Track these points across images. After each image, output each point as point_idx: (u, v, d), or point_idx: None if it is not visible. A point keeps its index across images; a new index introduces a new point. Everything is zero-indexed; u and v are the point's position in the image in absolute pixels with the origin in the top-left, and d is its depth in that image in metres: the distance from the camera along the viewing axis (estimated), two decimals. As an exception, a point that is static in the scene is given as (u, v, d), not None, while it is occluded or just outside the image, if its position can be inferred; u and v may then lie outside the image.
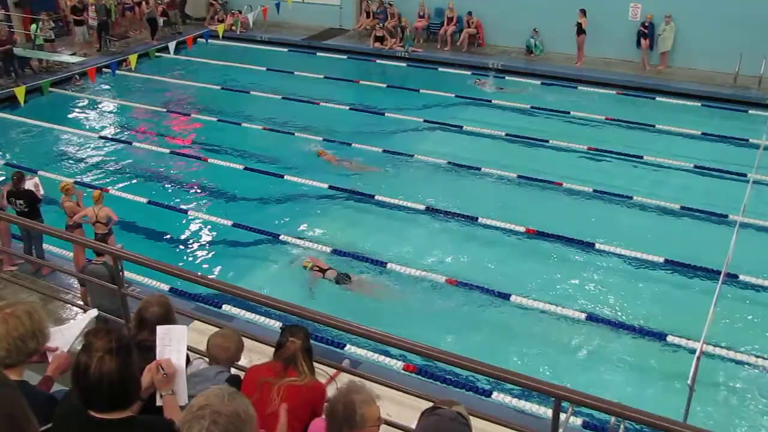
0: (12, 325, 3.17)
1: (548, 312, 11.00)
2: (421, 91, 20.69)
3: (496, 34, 23.88)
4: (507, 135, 17.59)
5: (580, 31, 21.71)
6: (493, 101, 19.81)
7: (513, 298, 11.26)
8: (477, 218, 13.66)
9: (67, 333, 4.26)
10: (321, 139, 17.47)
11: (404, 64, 23.27)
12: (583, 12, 21.38)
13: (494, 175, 15.60)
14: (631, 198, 14.44)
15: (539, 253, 12.75)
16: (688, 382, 6.26)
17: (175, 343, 3.91)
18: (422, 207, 14.15)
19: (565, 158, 16.58)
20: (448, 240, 13.33)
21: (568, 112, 18.98)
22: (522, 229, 13.24)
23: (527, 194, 14.95)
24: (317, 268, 12.06)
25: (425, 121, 18.51)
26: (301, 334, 4.68)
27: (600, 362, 10.12)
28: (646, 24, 21.29)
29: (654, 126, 18.14)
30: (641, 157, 16.32)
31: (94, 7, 25.15)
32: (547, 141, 17.16)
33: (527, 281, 11.84)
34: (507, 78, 21.63)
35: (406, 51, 23.68)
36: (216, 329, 6.12)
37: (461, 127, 18.13)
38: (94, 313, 4.41)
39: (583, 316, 10.86)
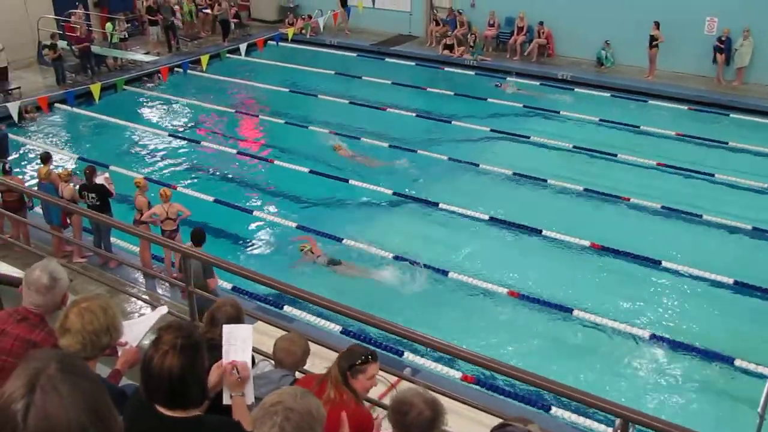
0: (87, 319, 3.23)
1: (611, 329, 10.84)
2: (488, 100, 20.58)
3: (567, 44, 23.61)
4: (574, 147, 17.36)
5: (653, 43, 21.32)
6: (561, 112, 19.58)
7: (575, 312, 11.13)
8: (541, 230, 13.53)
9: (137, 328, 4.34)
10: (387, 145, 17.52)
11: (472, 73, 23.17)
12: (657, 24, 21.00)
13: (560, 187, 15.42)
14: (701, 216, 14.10)
15: (604, 268, 12.56)
16: (759, 410, 6.08)
17: (240, 343, 3.94)
18: (486, 217, 14.07)
19: (634, 173, 16.28)
20: (511, 251, 13.22)
21: (638, 126, 18.63)
22: (587, 243, 13.06)
23: (593, 208, 14.74)
24: (311, 252, 12.67)
25: (492, 130, 18.40)
26: (345, 353, 4.51)
27: (664, 383, 9.92)
28: (723, 38, 20.78)
29: (727, 143, 17.69)
30: (712, 175, 15.94)
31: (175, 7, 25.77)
32: (616, 155, 16.88)
33: (591, 296, 11.67)
34: (576, 90, 21.36)
35: (475, 59, 23.59)
36: (277, 330, 6.19)
37: (528, 137, 17.97)
38: (164, 309, 4.48)
39: (647, 334, 10.67)
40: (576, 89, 21.47)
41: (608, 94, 21.04)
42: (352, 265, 12.63)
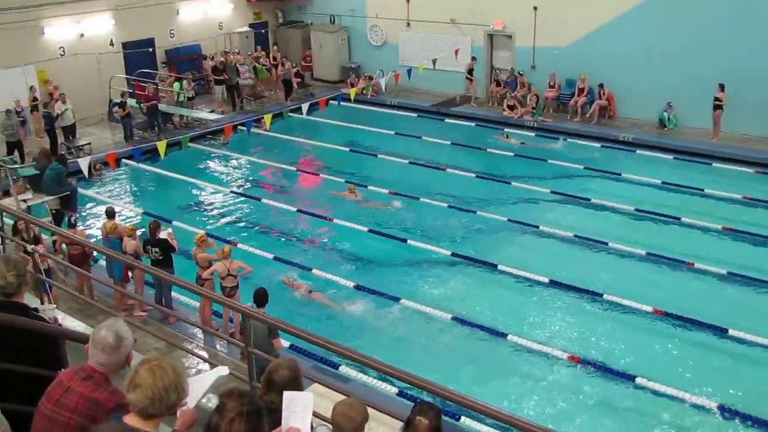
0: (158, 375, 3.26)
1: (677, 398, 10.51)
2: (548, 161, 20.50)
3: (628, 106, 23.47)
4: (636, 210, 17.11)
5: (718, 106, 21.05)
6: (622, 174, 19.37)
7: (638, 380, 10.84)
8: (602, 294, 13.29)
9: (195, 387, 4.34)
10: (446, 205, 17.53)
11: (532, 134, 23.16)
12: (722, 87, 20.76)
13: (622, 250, 15.15)
14: (770, 284, 13.71)
15: (667, 334, 12.24)
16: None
17: (301, 410, 3.92)
18: (546, 279, 13.89)
19: (698, 237, 15.93)
20: (571, 314, 12.99)
21: (702, 189, 18.28)
22: (649, 308, 12.76)
23: (656, 272, 14.42)
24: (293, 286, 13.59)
25: (552, 192, 18.28)
26: (431, 413, 4.49)
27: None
28: (789, 101, 20.45)
29: (796, 208, 17.27)
30: (782, 240, 15.54)
31: (246, 67, 26.46)
32: (679, 218, 16.56)
33: (654, 364, 11.38)
34: (638, 152, 21.14)
35: (535, 120, 23.60)
36: (332, 392, 6.15)
37: (589, 199, 17.79)
38: (224, 370, 4.49)
39: (714, 405, 10.32)
40: (638, 151, 21.25)
41: (671, 157, 20.76)
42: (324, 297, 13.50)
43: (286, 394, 3.99)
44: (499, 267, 14.47)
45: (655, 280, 14.07)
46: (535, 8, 24.23)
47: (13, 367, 4.39)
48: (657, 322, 12.56)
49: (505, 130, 23.32)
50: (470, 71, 25.70)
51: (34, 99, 22.25)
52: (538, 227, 16.28)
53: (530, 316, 12.94)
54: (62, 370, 4.65)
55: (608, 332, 12.41)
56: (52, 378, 4.11)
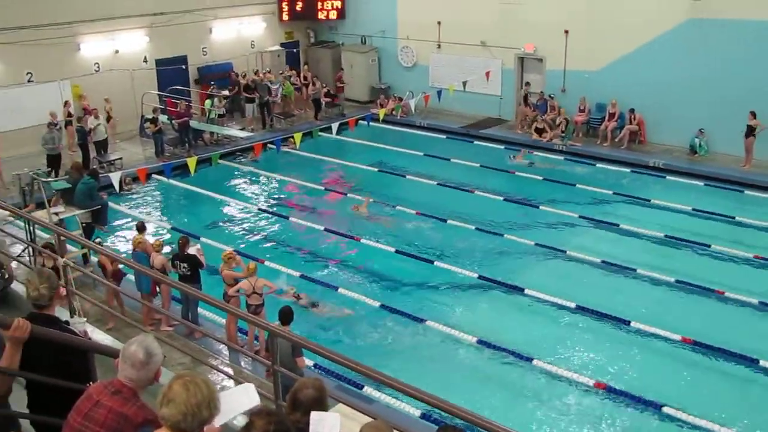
0: (192, 391, 3.26)
1: (705, 429, 10.35)
2: (577, 185, 20.40)
3: (659, 131, 23.34)
4: (666, 236, 16.94)
5: (750, 133, 20.87)
6: (652, 200, 19.21)
7: (666, 409, 10.70)
8: (629, 322, 13.15)
9: (225, 406, 4.35)
10: (474, 228, 17.49)
11: (561, 158, 23.08)
12: (753, 114, 20.58)
13: (651, 277, 15.00)
14: (802, 314, 13.50)
15: (697, 364, 12.08)
16: None
17: (327, 431, 3.93)
18: (573, 305, 13.79)
19: (729, 265, 15.74)
20: (599, 341, 12.88)
21: (733, 217, 18.10)
22: (678, 337, 12.61)
23: (685, 300, 14.26)
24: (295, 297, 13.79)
25: (580, 216, 18.18)
26: None
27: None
28: (823, 129, 20.23)
29: (831, 237, 17.02)
30: (816, 271, 15.31)
31: (277, 86, 26.70)
32: (709, 245, 16.37)
33: (683, 393, 11.23)
34: (668, 178, 20.98)
35: (565, 144, 23.53)
36: (357, 413, 6.13)
37: (617, 225, 17.66)
38: (251, 388, 4.50)
39: (742, 437, 10.16)
40: (668, 177, 21.09)
41: (702, 183, 20.58)
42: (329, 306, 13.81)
43: (314, 415, 3.99)
44: (526, 291, 14.40)
45: (685, 309, 13.91)
46: (567, 32, 24.26)
47: (43, 379, 4.43)
48: (686, 351, 12.40)
49: (522, 151, 23.64)
50: (525, 97, 25.46)
51: (69, 114, 22.58)
52: (565, 252, 16.18)
53: (557, 341, 12.83)
54: (91, 383, 4.71)
55: (636, 360, 12.28)
56: (80, 391, 4.15)
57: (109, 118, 23.45)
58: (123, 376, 3.81)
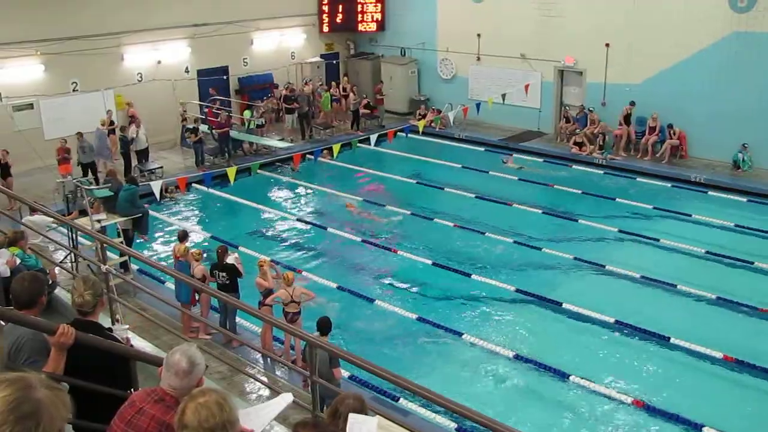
0: (203, 416, 3.22)
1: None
2: (617, 200, 20.21)
3: (701, 146, 23.03)
4: (707, 252, 16.70)
5: (795, 148, 20.55)
6: (693, 216, 18.96)
7: (706, 430, 10.53)
8: (669, 338, 12.99)
9: (262, 414, 4.38)
10: (512, 241, 17.41)
11: (601, 172, 22.90)
12: (798, 129, 20.29)
13: (691, 293, 14.79)
14: None
15: (739, 383, 11.89)
16: None
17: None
18: (611, 320, 13.64)
19: (773, 283, 15.51)
20: (637, 357, 12.74)
21: (778, 234, 17.82)
22: (719, 355, 12.41)
23: (727, 318, 14.03)
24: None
25: (620, 231, 17.99)
26: None
27: None
28: None
29: None
30: None
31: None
32: (752, 262, 16.11)
33: (724, 413, 11.04)
34: (710, 193, 20.69)
35: (605, 158, 23.35)
36: (393, 425, 6.14)
37: (657, 240, 17.45)
38: (289, 398, 4.53)
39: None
40: (710, 192, 20.81)
41: (745, 199, 20.26)
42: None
43: (352, 416, 4.02)
44: (564, 305, 14.28)
45: (726, 326, 13.70)
46: (607, 45, 24.09)
47: (86, 385, 4.50)
48: (728, 370, 12.21)
49: (513, 155, 24.37)
50: (626, 117, 24.28)
51: (111, 122, 22.94)
52: (604, 266, 16.03)
53: (594, 356, 12.73)
54: (132, 390, 4.78)
55: (675, 377, 12.12)
56: (122, 397, 4.21)
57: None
58: (166, 385, 3.86)
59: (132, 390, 4.89)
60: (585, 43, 24.64)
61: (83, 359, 4.63)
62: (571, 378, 11.87)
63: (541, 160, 24.22)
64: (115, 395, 4.59)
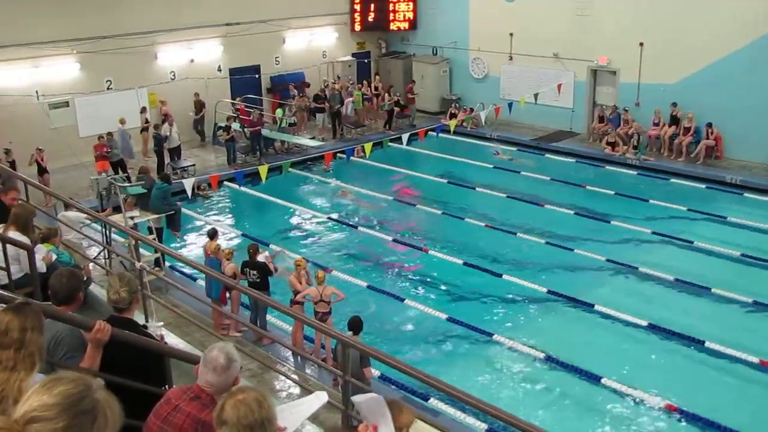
0: (242, 413, 3.24)
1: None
2: (650, 201, 19.99)
3: (736, 147, 22.70)
4: (743, 255, 16.46)
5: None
6: (728, 218, 18.70)
7: (741, 435, 10.40)
8: (704, 342, 12.82)
9: (296, 412, 4.39)
10: (544, 242, 17.31)
11: (634, 172, 22.67)
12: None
13: (726, 297, 14.57)
14: None
15: (775, 388, 11.72)
16: None
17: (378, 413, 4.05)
18: (644, 323, 13.50)
19: (810, 287, 15.24)
20: (670, 361, 12.61)
21: (815, 237, 17.52)
22: (755, 359, 12.23)
23: (763, 322, 13.82)
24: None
25: (653, 233, 17.80)
26: None
27: None
28: None
29: None
30: None
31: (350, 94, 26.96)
32: (789, 266, 15.91)
33: (760, 419, 10.89)
34: (746, 195, 20.39)
35: (638, 159, 23.11)
36: (425, 425, 6.13)
37: (692, 242, 17.24)
38: (324, 397, 4.53)
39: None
40: (746, 194, 20.50)
41: (781, 201, 19.98)
42: None
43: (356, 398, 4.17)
44: (596, 307, 14.17)
45: (763, 330, 13.49)
46: (642, 44, 23.84)
47: (122, 381, 4.54)
48: (764, 375, 12.02)
49: (499, 147, 25.35)
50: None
51: (146, 121, 23.15)
52: (637, 268, 15.87)
53: (627, 359, 12.61)
54: (167, 387, 4.82)
55: (710, 382, 11.98)
56: (156, 394, 4.24)
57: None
58: (203, 381, 3.88)
59: (167, 387, 4.93)
60: (619, 43, 24.40)
61: (119, 356, 4.68)
62: (603, 381, 11.77)
63: (573, 160, 24.05)
64: (150, 392, 4.63)
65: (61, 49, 21.97)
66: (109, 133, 20.85)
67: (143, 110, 23.36)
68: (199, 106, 25.25)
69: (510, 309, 14.51)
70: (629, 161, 23.23)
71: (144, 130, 23.15)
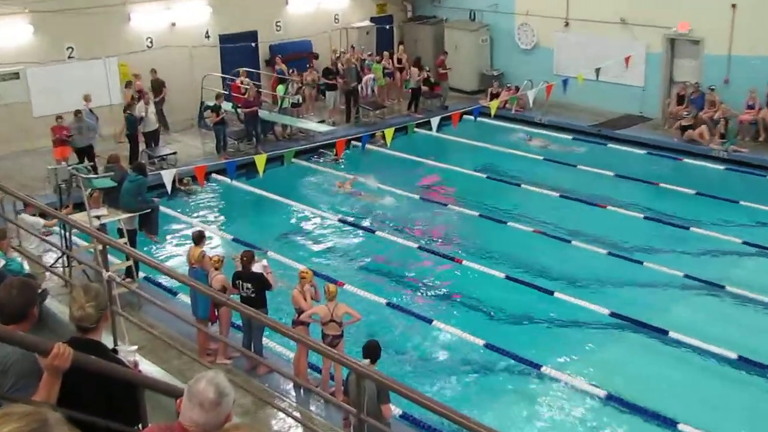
0: None
1: None
2: (741, 203, 19.87)
3: None
4: None
5: None
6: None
7: None
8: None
9: None
10: (605, 252, 17.23)
11: (722, 167, 22.52)
12: None
13: (835, 323, 14.54)
14: None
15: None
16: None
17: None
18: (733, 355, 13.38)
19: None
20: (764, 403, 12.50)
21: None
22: None
23: None
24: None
25: (744, 242, 17.69)
26: None
27: None
28: None
29: None
30: None
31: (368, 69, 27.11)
32: None
33: None
34: None
35: (726, 150, 22.96)
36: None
37: (794, 255, 17.18)
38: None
39: None
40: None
41: None
42: None
43: None
44: (671, 334, 14.09)
45: None
46: (734, 6, 23.61)
47: (85, 418, 4.53)
48: None
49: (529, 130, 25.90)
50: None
51: (132, 98, 22.80)
52: (724, 287, 15.79)
53: (709, 401, 12.55)
54: (141, 426, 4.81)
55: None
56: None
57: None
58: (187, 419, 3.85)
59: (141, 426, 4.92)
60: (704, 6, 24.25)
61: (82, 386, 4.66)
62: (679, 427, 11.70)
63: (643, 151, 23.94)
64: (120, 431, 4.62)
65: (10, 6, 21.98)
66: (77, 112, 20.89)
67: (128, 84, 23.28)
68: (158, 85, 25.01)
69: (563, 335, 14.50)
70: (715, 153, 23.10)
71: (127, 107, 22.48)
